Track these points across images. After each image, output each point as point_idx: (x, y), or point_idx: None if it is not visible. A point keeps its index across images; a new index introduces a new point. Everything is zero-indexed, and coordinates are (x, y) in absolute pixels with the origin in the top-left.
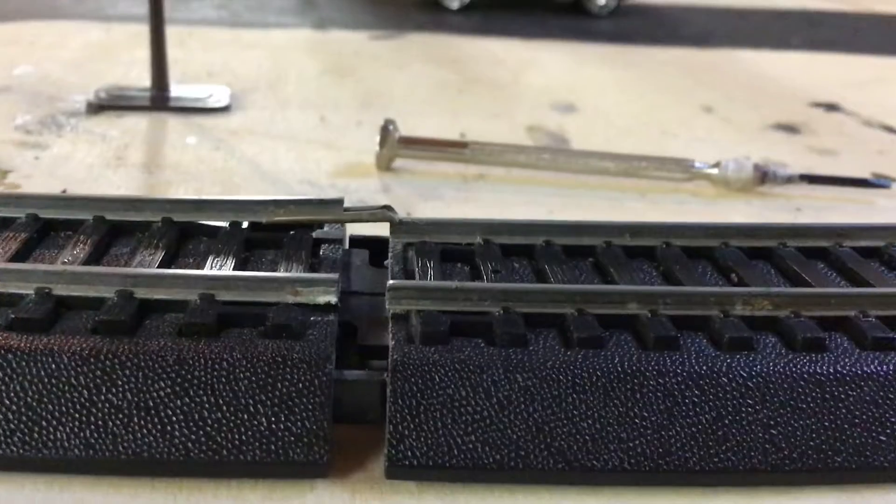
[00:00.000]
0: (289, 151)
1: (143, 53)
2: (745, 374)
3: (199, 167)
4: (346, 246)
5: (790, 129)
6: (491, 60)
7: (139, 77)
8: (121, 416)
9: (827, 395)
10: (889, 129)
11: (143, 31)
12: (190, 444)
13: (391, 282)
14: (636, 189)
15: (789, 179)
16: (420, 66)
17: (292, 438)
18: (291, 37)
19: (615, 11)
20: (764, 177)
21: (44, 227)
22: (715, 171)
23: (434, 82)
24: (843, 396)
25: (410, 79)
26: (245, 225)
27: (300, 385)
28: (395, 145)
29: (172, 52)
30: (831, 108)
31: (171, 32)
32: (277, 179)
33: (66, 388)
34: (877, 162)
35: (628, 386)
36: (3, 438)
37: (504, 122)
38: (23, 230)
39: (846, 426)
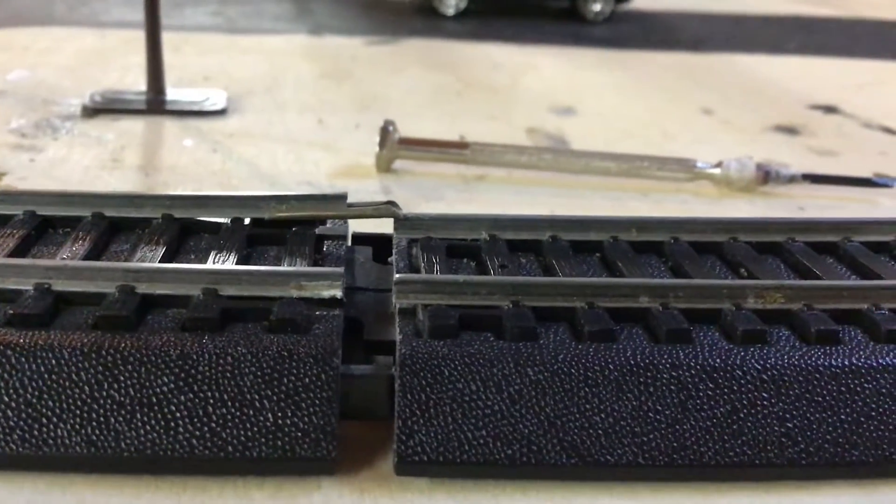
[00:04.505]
0: (287, 153)
1: (138, 59)
2: (759, 367)
3: (196, 169)
4: (349, 243)
5: (790, 130)
6: (488, 65)
7: (134, 82)
8: (123, 412)
9: (842, 388)
10: (889, 131)
11: (137, 37)
12: (194, 441)
13: (398, 275)
14: (638, 189)
15: (792, 179)
16: (417, 70)
17: (299, 434)
18: (288, 42)
19: (610, 18)
20: (766, 176)
21: (42, 223)
22: (717, 170)
23: (431, 86)
24: (858, 389)
25: (407, 83)
26: (247, 221)
27: (307, 380)
28: (395, 146)
29: (168, 58)
30: (830, 110)
31: (167, 38)
32: (276, 180)
33: (67, 384)
34: (878, 163)
35: (641, 379)
36: (2, 436)
37: (503, 125)
38: (21, 227)
39: (862, 419)
